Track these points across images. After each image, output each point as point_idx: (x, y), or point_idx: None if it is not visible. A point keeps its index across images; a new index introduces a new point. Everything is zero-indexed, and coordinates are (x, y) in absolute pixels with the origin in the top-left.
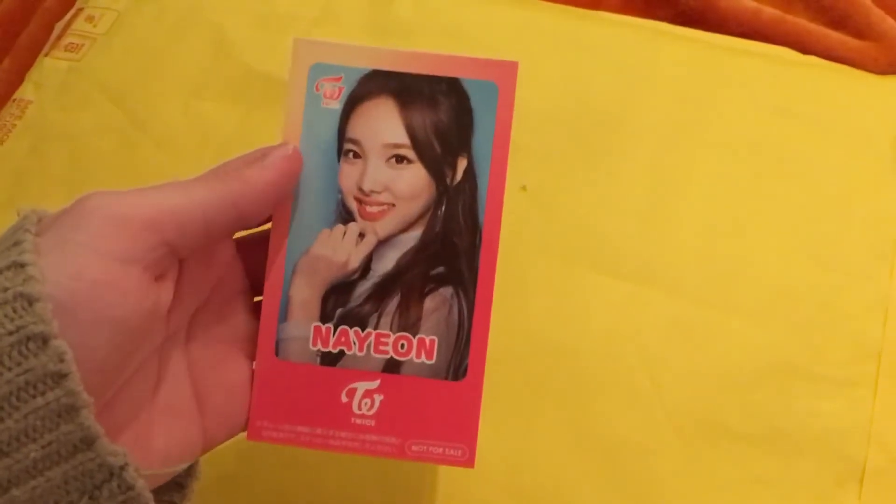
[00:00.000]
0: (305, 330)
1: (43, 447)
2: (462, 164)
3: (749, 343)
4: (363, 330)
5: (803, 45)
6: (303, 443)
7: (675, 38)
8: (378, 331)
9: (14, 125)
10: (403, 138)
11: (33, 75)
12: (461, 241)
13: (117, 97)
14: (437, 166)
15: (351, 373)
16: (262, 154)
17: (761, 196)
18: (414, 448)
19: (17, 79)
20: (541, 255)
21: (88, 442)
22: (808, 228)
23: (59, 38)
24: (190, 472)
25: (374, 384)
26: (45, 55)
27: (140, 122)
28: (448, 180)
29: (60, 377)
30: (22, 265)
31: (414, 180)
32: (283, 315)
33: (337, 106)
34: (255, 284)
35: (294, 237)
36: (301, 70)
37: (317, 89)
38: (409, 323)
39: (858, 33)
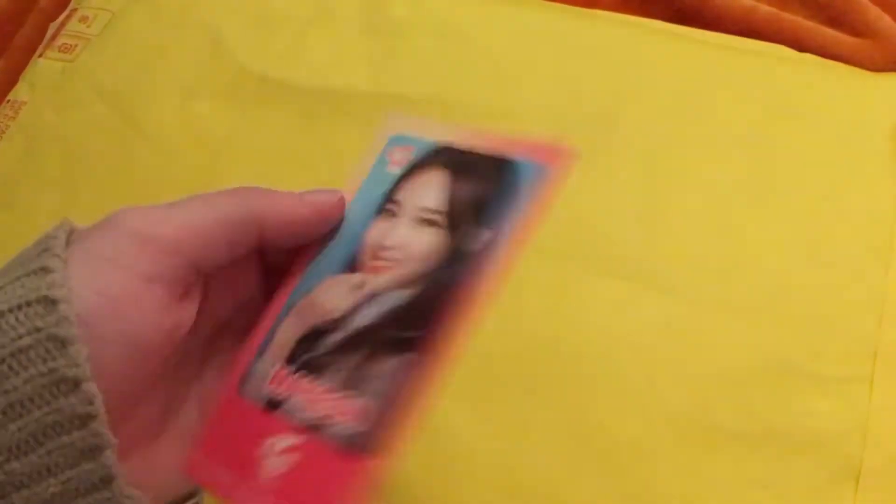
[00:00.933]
0: (271, 369)
1: (63, 483)
2: (486, 235)
3: (744, 341)
4: (318, 379)
5: (799, 43)
6: (210, 486)
7: (671, 37)
8: (329, 384)
9: (8, 126)
10: (442, 205)
11: (27, 76)
12: (448, 309)
13: (111, 98)
14: (460, 234)
15: (281, 424)
16: (311, 190)
17: (757, 194)
18: None
19: (12, 79)
20: (535, 254)
21: (107, 481)
22: (803, 226)
23: (54, 38)
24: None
25: (298, 440)
26: (40, 56)
27: (134, 122)
28: (464, 248)
29: (88, 418)
30: (54, 302)
31: (430, 242)
32: (262, 351)
33: (399, 171)
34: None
35: (305, 279)
36: (381, 139)
37: (388, 156)
38: (358, 381)
39: (854, 31)
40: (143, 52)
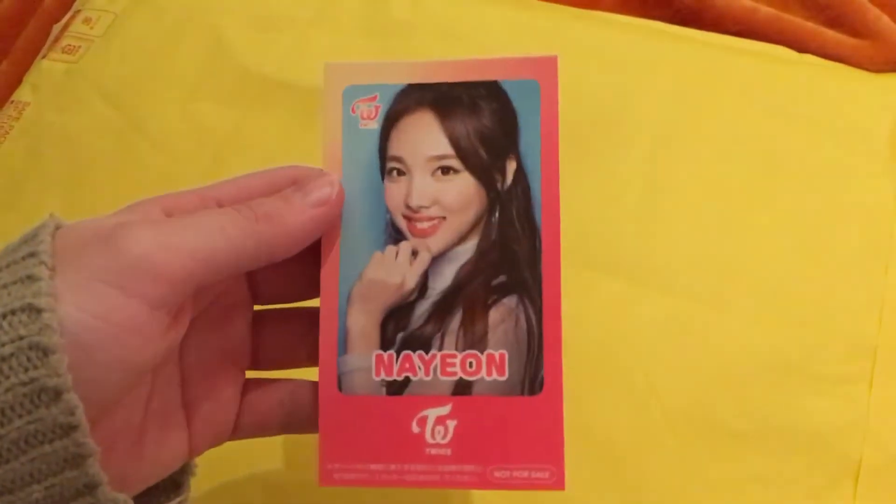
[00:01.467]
0: (367, 360)
1: (46, 489)
2: (511, 166)
3: (744, 340)
4: (427, 353)
5: (799, 44)
6: (377, 482)
7: (672, 38)
8: (443, 351)
9: (11, 127)
10: (447, 149)
11: (31, 77)
12: (520, 246)
13: (114, 99)
14: (485, 173)
15: (420, 400)
16: (301, 187)
17: (757, 194)
18: (497, 475)
19: (15, 81)
20: None
21: (91, 488)
22: (803, 226)
23: (57, 40)
24: (185, 468)
25: (446, 409)
26: (43, 57)
27: (137, 123)
28: (499, 185)
29: (70, 428)
30: (38, 311)
31: (463, 190)
32: (343, 347)
33: (375, 126)
34: (256, 296)
35: (345, 264)
36: (335, 95)
37: (353, 111)
38: (475, 339)
39: (854, 32)
40: (145, 53)
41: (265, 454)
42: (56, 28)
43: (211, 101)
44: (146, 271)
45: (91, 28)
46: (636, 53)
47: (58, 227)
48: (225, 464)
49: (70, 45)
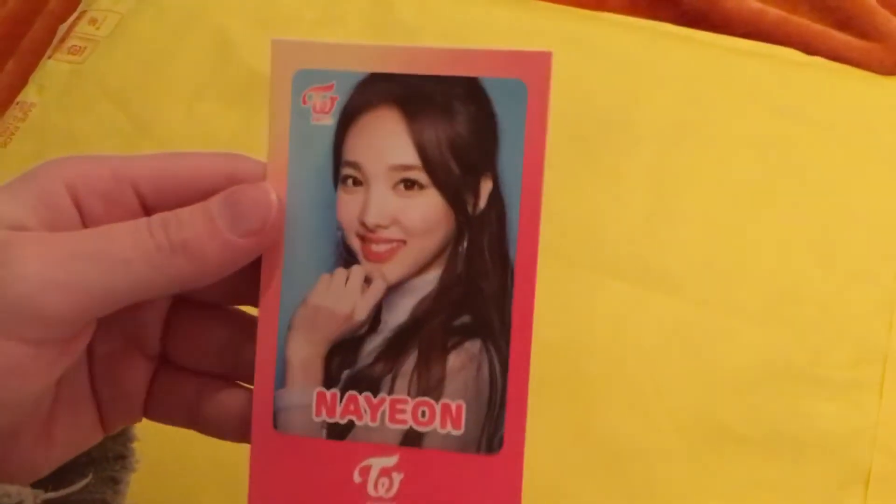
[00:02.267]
0: (307, 397)
1: None
2: (486, 187)
3: (752, 345)
4: (375, 395)
5: (808, 46)
6: None
7: (679, 40)
8: (393, 396)
9: (17, 128)
10: (413, 158)
11: (36, 78)
12: (489, 283)
13: (120, 99)
14: (455, 191)
15: (363, 447)
16: (231, 206)
17: (765, 197)
18: None
19: (21, 81)
20: (542, 255)
21: None
22: (812, 230)
23: (63, 40)
24: (126, 464)
25: (392, 461)
26: (49, 58)
27: (142, 124)
28: (470, 209)
29: None
30: None
31: (428, 210)
32: (281, 380)
33: (330, 121)
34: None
35: (288, 285)
36: (283, 79)
37: (304, 102)
38: (430, 385)
39: (863, 34)
40: (151, 53)
41: None
42: (62, 28)
43: (217, 101)
44: (30, 314)
45: (97, 28)
46: (643, 55)
47: None
48: None
49: (76, 46)
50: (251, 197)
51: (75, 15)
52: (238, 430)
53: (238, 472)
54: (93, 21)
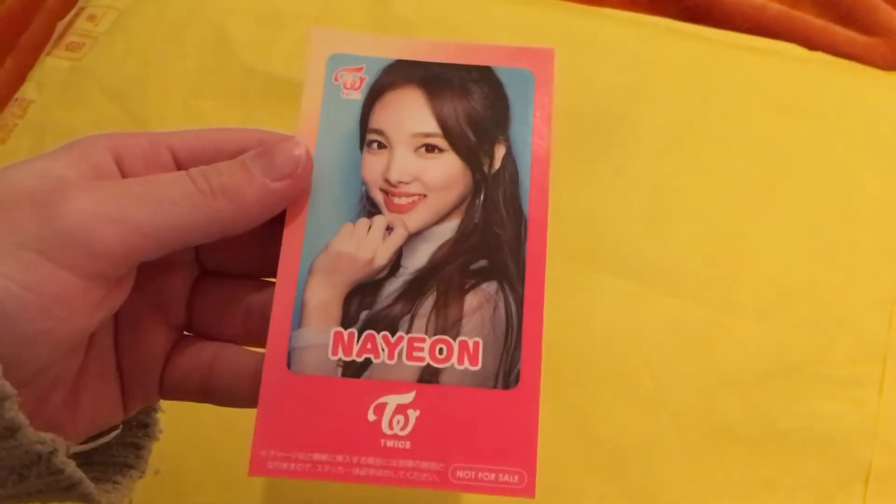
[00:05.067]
0: (324, 336)
1: None
2: (500, 151)
3: (752, 343)
4: (393, 334)
5: (810, 42)
6: (319, 474)
7: (680, 35)
8: (412, 334)
9: (16, 125)
10: (433, 127)
11: (35, 75)
12: (504, 231)
13: (118, 96)
14: (471, 154)
15: (380, 385)
16: (264, 154)
17: (766, 194)
18: (459, 475)
19: (20, 78)
20: None
21: (12, 430)
22: (813, 226)
23: (61, 37)
24: (148, 432)
25: (408, 397)
26: (47, 54)
27: (141, 121)
28: (485, 168)
29: None
30: None
31: (447, 169)
32: (298, 320)
33: (358, 96)
34: (203, 261)
35: (311, 233)
36: (318, 60)
37: (336, 79)
38: (447, 324)
39: (865, 29)
40: (150, 50)
41: None
42: (60, 25)
43: (215, 98)
44: (82, 244)
45: (95, 25)
46: (644, 51)
47: None
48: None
49: (74, 43)
50: (282, 147)
51: (74, 12)
52: (248, 391)
53: (234, 469)
54: (91, 18)
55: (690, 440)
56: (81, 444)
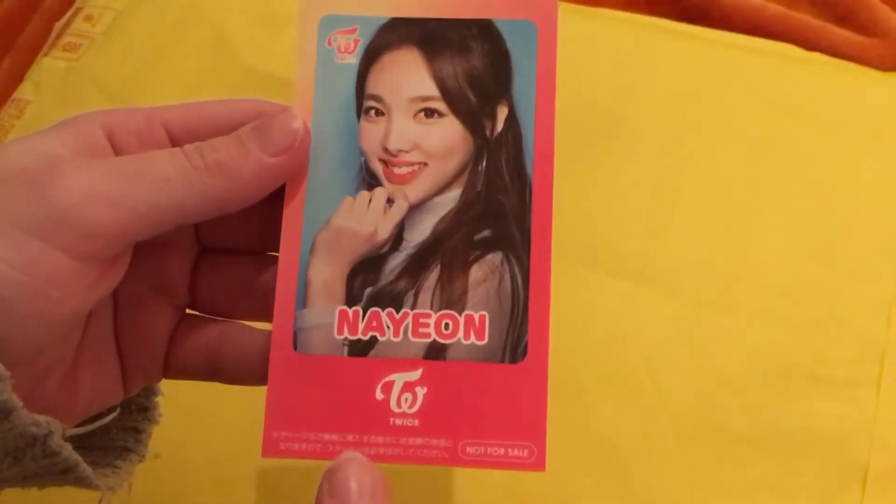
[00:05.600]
0: (329, 316)
1: None
2: (502, 112)
3: (751, 343)
4: (398, 311)
5: (808, 42)
6: (331, 454)
7: (678, 36)
8: (416, 310)
9: (13, 125)
10: (432, 90)
11: (32, 75)
12: (508, 199)
13: (116, 97)
14: (473, 117)
15: (386, 363)
16: (261, 129)
17: (764, 194)
18: (469, 451)
19: (17, 79)
20: None
21: (6, 412)
22: (811, 227)
23: (58, 37)
24: (148, 416)
25: (415, 375)
26: (44, 55)
27: None
28: (488, 132)
29: None
30: None
31: (447, 135)
32: (302, 301)
33: (353, 60)
34: (202, 238)
35: (311, 209)
36: (310, 24)
37: (329, 44)
38: (453, 298)
39: (863, 30)
40: (147, 50)
41: None
42: (57, 26)
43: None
44: (75, 224)
45: (93, 26)
46: (642, 52)
47: None
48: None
49: (71, 43)
50: (279, 120)
51: (71, 12)
52: (258, 369)
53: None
54: (88, 18)
55: (689, 440)
56: (79, 425)
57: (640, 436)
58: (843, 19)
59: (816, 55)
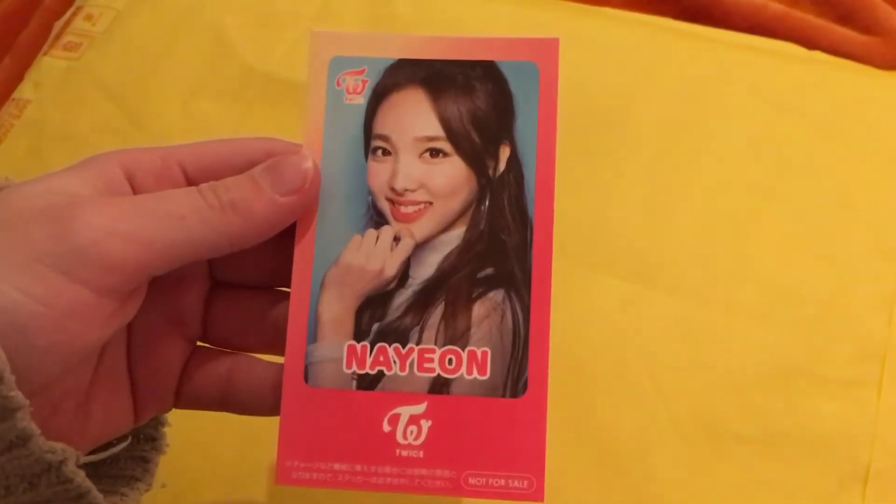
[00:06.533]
0: (338, 350)
1: None
2: (505, 152)
3: (751, 343)
4: (404, 346)
5: (809, 41)
6: (340, 483)
7: (680, 35)
8: (422, 346)
9: (12, 125)
10: (437, 130)
11: (32, 74)
12: (510, 237)
13: (116, 96)
14: (476, 157)
15: (393, 396)
16: (272, 169)
17: (765, 194)
18: (471, 482)
19: (17, 78)
20: None
21: (24, 440)
22: (812, 226)
23: (58, 36)
24: (156, 446)
25: (420, 408)
26: (44, 54)
27: (139, 121)
28: (491, 172)
29: None
30: None
31: (452, 174)
32: (312, 335)
33: (361, 101)
34: (216, 273)
35: (321, 246)
36: (320, 65)
37: (338, 84)
38: (456, 334)
39: (865, 29)
40: (148, 50)
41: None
42: (57, 25)
43: (213, 98)
44: (95, 260)
45: (93, 25)
46: (643, 50)
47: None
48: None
49: (71, 42)
50: (290, 161)
51: (71, 11)
52: (269, 400)
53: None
54: (89, 17)
55: (689, 441)
56: (90, 453)
57: (639, 436)
58: (844, 18)
59: (817, 54)
